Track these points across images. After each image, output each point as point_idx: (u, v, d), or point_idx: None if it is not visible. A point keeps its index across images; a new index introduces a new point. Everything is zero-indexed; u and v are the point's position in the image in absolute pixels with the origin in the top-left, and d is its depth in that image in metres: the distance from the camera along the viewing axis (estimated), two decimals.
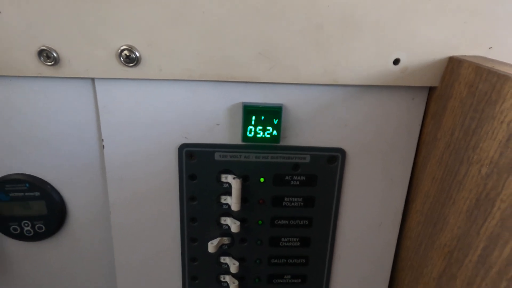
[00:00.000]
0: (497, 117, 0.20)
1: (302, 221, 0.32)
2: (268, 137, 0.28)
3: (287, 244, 0.33)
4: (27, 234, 0.32)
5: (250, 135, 0.28)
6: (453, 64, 0.25)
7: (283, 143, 0.29)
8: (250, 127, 0.28)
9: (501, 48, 0.26)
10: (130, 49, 0.25)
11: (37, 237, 0.32)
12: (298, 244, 0.33)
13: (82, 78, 0.27)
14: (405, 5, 0.24)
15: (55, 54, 0.25)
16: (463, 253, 0.23)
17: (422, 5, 0.24)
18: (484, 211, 0.21)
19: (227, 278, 0.33)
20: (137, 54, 0.25)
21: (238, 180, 0.29)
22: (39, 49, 0.25)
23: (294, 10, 0.24)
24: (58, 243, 0.33)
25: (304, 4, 0.24)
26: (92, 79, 0.27)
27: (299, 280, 0.34)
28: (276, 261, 0.33)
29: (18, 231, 0.31)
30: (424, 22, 0.25)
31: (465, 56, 0.25)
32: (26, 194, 0.30)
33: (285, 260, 0.33)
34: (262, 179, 0.30)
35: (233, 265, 0.32)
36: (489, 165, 0.21)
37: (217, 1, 0.24)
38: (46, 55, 0.25)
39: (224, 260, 0.33)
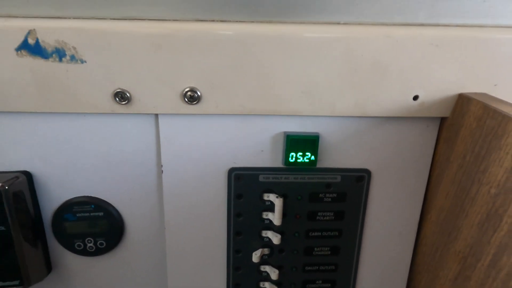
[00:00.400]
0: (503, 149, 0.25)
1: (333, 233, 0.36)
2: (307, 162, 0.33)
3: (320, 253, 0.37)
4: (89, 250, 0.35)
5: (291, 160, 0.32)
6: (463, 100, 0.30)
7: (317, 165, 0.34)
8: (292, 153, 0.32)
9: (504, 85, 0.31)
10: (193, 90, 0.29)
11: (98, 252, 0.36)
12: (329, 252, 0.37)
13: (148, 114, 0.31)
14: (423, 52, 0.29)
15: (128, 95, 0.29)
16: (476, 258, 0.28)
17: (438, 52, 0.29)
18: (493, 224, 0.26)
19: (267, 284, 0.37)
20: (199, 94, 0.29)
21: (280, 198, 0.33)
22: (115, 91, 0.29)
23: (334, 58, 0.29)
24: (116, 257, 0.37)
25: (343, 53, 0.29)
26: (156, 114, 0.31)
27: (329, 285, 0.39)
28: (309, 268, 0.38)
29: (82, 247, 0.35)
30: (439, 66, 0.30)
31: (473, 93, 0.31)
32: (91, 214, 0.34)
33: (317, 267, 0.38)
34: (299, 197, 0.35)
35: (274, 273, 0.36)
36: (497, 187, 0.26)
37: (268, 51, 0.28)
38: (121, 96, 0.29)
39: (264, 268, 0.37)
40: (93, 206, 0.34)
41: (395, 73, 0.30)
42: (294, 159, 0.32)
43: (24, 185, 0.32)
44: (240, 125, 0.32)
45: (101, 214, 0.34)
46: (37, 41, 0.27)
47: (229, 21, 0.29)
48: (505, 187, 0.25)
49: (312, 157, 0.32)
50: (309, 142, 0.32)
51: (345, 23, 0.30)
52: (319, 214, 0.36)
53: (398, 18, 0.30)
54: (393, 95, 0.31)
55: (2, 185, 0.29)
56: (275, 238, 0.34)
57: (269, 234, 0.35)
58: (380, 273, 0.39)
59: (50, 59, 0.27)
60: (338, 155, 0.34)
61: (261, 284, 0.38)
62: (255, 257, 0.35)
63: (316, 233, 0.36)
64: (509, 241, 0.24)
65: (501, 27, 0.31)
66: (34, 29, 0.26)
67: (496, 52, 0.30)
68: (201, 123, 0.32)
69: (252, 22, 0.29)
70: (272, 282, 0.37)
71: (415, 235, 0.38)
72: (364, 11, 0.30)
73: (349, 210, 0.36)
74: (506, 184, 0.25)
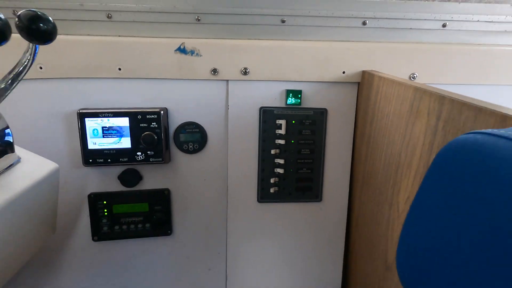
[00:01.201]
0: (377, 90, 0.63)
1: (310, 141, 0.73)
2: (297, 103, 0.70)
3: (304, 152, 0.73)
4: (190, 150, 0.71)
5: (289, 102, 0.70)
6: (364, 73, 0.69)
7: (301, 106, 0.71)
8: (289, 99, 0.70)
9: (381, 66, 0.70)
10: (246, 68, 0.67)
11: (194, 151, 0.71)
12: (308, 151, 0.73)
13: (224, 80, 0.68)
14: (345, 52, 0.68)
15: (217, 70, 0.67)
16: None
17: (351, 53, 0.68)
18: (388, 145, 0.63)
19: (278, 169, 0.73)
20: (248, 70, 0.67)
21: (284, 120, 0.70)
22: (212, 69, 0.66)
23: (308, 55, 0.67)
24: (203, 154, 0.72)
25: (312, 53, 0.67)
26: (227, 80, 0.69)
27: (309, 171, 0.75)
28: (299, 160, 0.74)
29: (186, 148, 0.71)
30: (353, 58, 0.68)
31: (368, 70, 0.69)
32: (193, 130, 0.70)
33: (303, 160, 0.74)
34: (293, 122, 0.72)
35: (281, 162, 0.72)
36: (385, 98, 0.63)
37: (280, 52, 0.66)
38: (213, 71, 0.67)
39: (277, 160, 0.73)
40: (194, 126, 0.70)
41: (334, 62, 0.68)
42: (290, 101, 0.70)
43: (165, 113, 0.68)
44: (266, 86, 0.69)
45: (197, 130, 0.71)
46: (184, 47, 0.64)
47: (263, 39, 0.68)
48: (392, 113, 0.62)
49: (298, 101, 0.70)
50: (297, 93, 0.69)
51: (311, 40, 0.69)
52: (303, 131, 0.72)
53: (336, 38, 0.69)
54: (334, 71, 0.69)
55: (160, 109, 0.66)
56: (282, 142, 0.71)
57: (279, 141, 0.72)
58: (335, 165, 0.75)
59: (188, 54, 0.65)
60: (311, 100, 0.71)
61: (275, 169, 0.74)
62: (273, 152, 0.71)
63: (301, 141, 0.73)
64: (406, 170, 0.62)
65: (379, 41, 0.70)
66: (184, 42, 0.64)
67: (367, 50, 0.69)
68: (248, 84, 0.69)
69: (273, 39, 0.68)
70: (280, 167, 0.73)
71: (351, 147, 0.75)
72: (319, 34, 0.69)
73: (318, 129, 0.73)
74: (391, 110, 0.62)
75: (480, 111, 0.33)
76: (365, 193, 0.68)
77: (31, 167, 0.52)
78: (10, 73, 0.44)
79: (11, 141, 0.49)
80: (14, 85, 0.45)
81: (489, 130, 0.25)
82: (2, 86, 0.44)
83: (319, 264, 0.79)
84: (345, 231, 0.78)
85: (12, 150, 0.50)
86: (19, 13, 0.39)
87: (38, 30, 0.40)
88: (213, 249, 0.78)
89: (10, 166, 0.49)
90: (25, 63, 0.44)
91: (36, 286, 0.74)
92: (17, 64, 0.44)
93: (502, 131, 0.24)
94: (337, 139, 0.74)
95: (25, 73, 0.45)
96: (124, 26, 0.66)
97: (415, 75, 0.70)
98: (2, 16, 0.36)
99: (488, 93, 0.71)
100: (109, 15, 0.65)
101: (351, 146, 0.74)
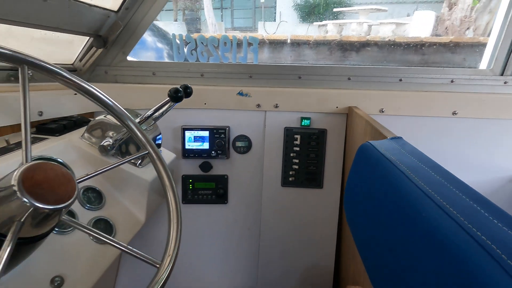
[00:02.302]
0: (353, 121, 1.07)
1: (315, 150, 1.17)
2: (307, 124, 1.15)
3: (312, 155, 1.17)
4: (242, 151, 1.18)
5: (303, 124, 1.15)
6: (350, 108, 1.12)
7: (310, 126, 1.16)
8: (303, 122, 1.15)
9: (363, 104, 1.13)
10: (277, 104, 1.14)
11: (243, 152, 1.19)
12: (315, 156, 1.17)
13: (262, 111, 1.15)
14: (337, 95, 1.12)
15: (260, 105, 1.14)
16: None
17: (343, 95, 1.12)
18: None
19: (295, 165, 1.17)
20: (277, 104, 1.14)
21: (298, 136, 1.15)
22: (256, 104, 1.14)
23: (309, 97, 1.13)
24: (249, 155, 1.19)
25: (315, 96, 1.13)
26: (265, 111, 1.16)
27: (315, 168, 1.18)
28: (309, 161, 1.17)
29: (240, 150, 1.18)
30: (344, 98, 1.12)
31: (353, 106, 1.12)
32: (243, 140, 1.18)
33: (311, 161, 1.17)
34: (305, 137, 1.16)
35: (295, 161, 1.16)
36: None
37: (285, 95, 1.13)
38: (258, 105, 1.14)
39: (294, 160, 1.17)
40: (244, 137, 1.18)
41: (330, 101, 1.13)
42: (303, 124, 1.15)
43: (229, 129, 1.16)
44: (289, 114, 1.16)
45: (246, 140, 1.18)
46: (242, 92, 1.13)
47: (287, 87, 1.15)
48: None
49: (308, 124, 1.15)
50: (308, 119, 1.15)
51: (316, 88, 1.14)
52: (311, 143, 1.17)
53: (331, 87, 1.14)
54: (330, 106, 1.13)
55: (226, 126, 1.15)
56: (297, 149, 1.16)
57: (295, 148, 1.17)
58: (332, 164, 1.18)
59: (243, 96, 1.13)
60: (316, 124, 1.16)
61: (293, 166, 1.18)
62: (291, 155, 1.16)
63: (310, 149, 1.17)
64: None
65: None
66: (242, 89, 1.13)
67: (351, 94, 1.12)
68: (278, 113, 1.16)
69: (293, 87, 1.15)
70: (296, 164, 1.17)
71: (342, 153, 1.17)
72: (321, 85, 1.14)
73: (321, 141, 1.16)
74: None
75: (377, 131, 0.77)
76: None
77: (165, 155, 1.02)
78: (163, 112, 0.95)
79: (161, 142, 1.00)
80: (163, 115, 0.95)
81: (371, 141, 0.69)
82: (158, 116, 0.94)
83: (318, 232, 1.21)
84: (338, 210, 1.19)
85: (160, 147, 1.00)
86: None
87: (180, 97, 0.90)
88: (252, 215, 1.23)
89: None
90: (170, 109, 0.94)
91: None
92: (167, 109, 0.94)
93: (374, 142, 0.68)
94: (333, 148, 1.17)
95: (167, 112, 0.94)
96: (209, 80, 1.16)
97: (383, 109, 1.12)
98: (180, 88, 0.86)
99: (426, 121, 1.11)
100: (202, 74, 1.16)
101: (343, 152, 1.17)
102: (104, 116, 0.87)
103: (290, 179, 1.19)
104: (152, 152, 0.69)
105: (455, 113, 1.10)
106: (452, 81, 1.12)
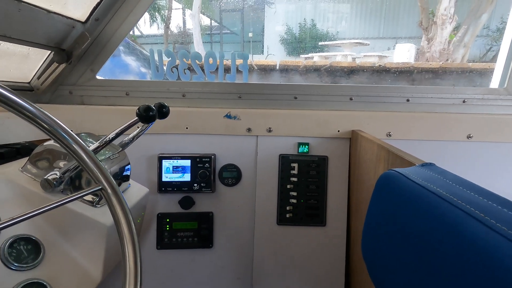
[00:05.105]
0: (361, 145, 0.92)
1: (316, 180, 1.00)
2: (306, 151, 0.99)
3: (311, 187, 1.00)
4: (229, 183, 1.00)
5: (300, 151, 0.99)
6: (354, 132, 0.98)
7: (309, 153, 1.00)
8: (300, 148, 0.99)
9: (365, 127, 0.99)
10: (270, 127, 0.99)
11: (232, 184, 1.00)
12: (315, 187, 1.00)
13: (254, 135, 1.00)
14: (337, 118, 0.99)
15: (251, 129, 0.99)
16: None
17: (341, 118, 0.99)
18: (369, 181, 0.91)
19: (292, 200, 1.00)
20: (271, 128, 0.99)
21: (295, 164, 0.99)
22: (247, 128, 0.99)
23: (310, 119, 0.99)
24: (239, 188, 1.01)
25: (313, 118, 0.99)
26: (257, 136, 1.00)
27: (316, 201, 1.00)
28: (309, 194, 1.00)
29: (227, 182, 1.00)
30: (344, 122, 0.99)
31: (356, 129, 0.99)
32: (232, 169, 1.00)
33: (311, 194, 1.00)
34: (303, 165, 1.00)
35: (294, 194, 0.99)
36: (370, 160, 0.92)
37: (279, 118, 0.99)
38: (248, 129, 0.99)
39: (291, 192, 1.00)
40: (233, 167, 1.00)
41: (331, 124, 0.99)
42: (301, 150, 0.99)
43: (214, 157, 0.99)
44: (284, 139, 1.00)
45: (235, 170, 1.00)
46: (230, 114, 0.98)
47: (282, 109, 1.01)
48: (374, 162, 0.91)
49: (307, 150, 0.99)
50: (306, 144, 0.99)
51: (315, 109, 1.01)
52: (310, 172, 1.00)
53: (331, 108, 1.01)
54: (331, 131, 0.99)
55: (211, 154, 0.97)
56: (295, 180, 0.99)
57: (293, 179, 1.00)
58: (335, 197, 1.01)
59: (232, 119, 0.98)
60: (316, 150, 1.01)
61: (290, 200, 1.00)
62: (288, 186, 0.99)
63: (309, 179, 1.00)
64: None
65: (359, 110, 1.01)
66: (230, 111, 0.98)
67: (354, 117, 0.99)
68: (271, 139, 1.00)
69: (289, 109, 1.01)
70: (294, 198, 1.00)
71: (347, 184, 1.01)
72: (320, 106, 1.01)
73: (321, 170, 1.00)
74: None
75: (398, 157, 0.62)
76: (358, 218, 0.92)
77: (135, 189, 0.82)
78: (134, 137, 0.77)
79: (129, 174, 0.81)
80: (133, 141, 0.78)
81: (397, 169, 0.54)
82: (127, 141, 0.77)
83: (323, 279, 1.00)
84: (345, 251, 1.00)
85: (128, 179, 0.81)
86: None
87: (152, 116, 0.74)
88: (242, 261, 1.02)
89: (126, 188, 0.80)
90: (142, 133, 0.77)
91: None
92: (138, 133, 0.77)
93: (401, 169, 0.52)
94: (336, 178, 1.01)
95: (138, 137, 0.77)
96: (192, 101, 1.01)
97: (390, 133, 0.99)
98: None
99: (438, 146, 0.98)
100: (184, 95, 1.01)
101: (347, 183, 1.00)
102: (54, 142, 0.69)
103: (288, 215, 1.00)
104: (106, 186, 0.50)
105: (470, 137, 0.97)
106: (464, 101, 1.01)
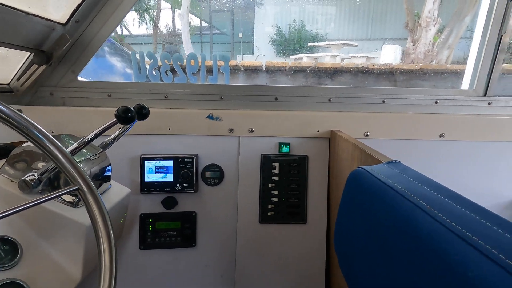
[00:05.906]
0: (339, 145, 0.95)
1: (296, 178, 1.03)
2: (286, 151, 1.02)
3: (292, 185, 1.03)
4: (212, 183, 1.02)
5: (281, 151, 1.02)
6: (332, 132, 1.01)
7: (290, 153, 1.03)
8: (282, 147, 1.02)
9: (344, 127, 1.03)
10: (251, 128, 1.01)
11: (214, 184, 1.02)
12: (296, 186, 1.03)
13: (236, 136, 1.02)
14: (318, 119, 1.02)
15: (233, 130, 1.01)
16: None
17: (323, 119, 1.02)
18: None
19: (273, 198, 1.02)
20: (253, 129, 1.01)
21: (277, 163, 1.01)
22: (229, 128, 1.01)
23: (293, 119, 1.01)
24: (221, 187, 1.03)
25: (299, 118, 1.01)
26: (239, 136, 1.02)
27: (297, 200, 1.03)
28: (290, 193, 1.03)
29: (210, 182, 1.02)
30: (324, 122, 1.02)
31: (335, 129, 1.02)
32: (214, 170, 1.02)
33: (291, 192, 1.03)
34: (284, 164, 1.03)
35: (275, 193, 1.01)
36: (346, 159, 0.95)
37: (264, 118, 1.01)
38: (230, 130, 1.01)
39: (273, 191, 1.02)
40: (215, 167, 1.02)
41: (313, 125, 1.02)
42: (282, 150, 1.02)
43: (197, 158, 1.01)
44: (265, 140, 1.03)
45: (217, 170, 1.02)
46: (212, 115, 1.00)
47: (263, 110, 1.03)
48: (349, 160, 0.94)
49: (288, 150, 1.02)
50: (286, 144, 1.02)
51: (295, 110, 1.04)
52: (291, 171, 1.03)
53: (311, 109, 1.04)
54: (311, 131, 1.02)
55: (194, 155, 0.99)
56: (276, 179, 1.01)
57: (274, 178, 1.02)
58: (315, 196, 1.04)
59: (214, 120, 1.00)
60: (296, 150, 1.03)
61: (271, 198, 1.02)
62: (269, 185, 1.01)
63: (290, 178, 1.03)
64: None
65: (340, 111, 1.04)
66: (212, 112, 0.99)
67: (333, 117, 1.02)
68: (253, 139, 1.02)
69: (270, 110, 1.03)
70: (275, 196, 1.02)
71: (327, 182, 1.04)
72: (300, 107, 1.04)
73: (302, 170, 1.03)
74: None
75: (369, 155, 0.65)
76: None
77: (117, 190, 0.83)
78: (115, 138, 0.78)
79: (110, 174, 0.82)
80: (114, 142, 0.78)
81: (364, 166, 0.57)
82: (108, 142, 0.78)
83: (304, 275, 1.03)
84: (325, 248, 1.03)
85: (109, 180, 0.82)
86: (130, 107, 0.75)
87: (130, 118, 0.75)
88: (225, 259, 1.04)
89: (107, 189, 0.81)
90: (122, 134, 0.78)
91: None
92: (119, 134, 0.78)
93: (368, 167, 0.55)
94: (316, 177, 1.04)
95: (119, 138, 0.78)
96: (174, 102, 1.03)
97: (368, 133, 1.02)
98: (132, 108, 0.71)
99: (412, 144, 1.02)
100: (166, 96, 1.02)
101: (327, 182, 1.04)
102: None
103: (269, 214, 1.03)
104: (83, 185, 0.52)
105: (443, 136, 1.02)
106: (436, 102, 1.05)
